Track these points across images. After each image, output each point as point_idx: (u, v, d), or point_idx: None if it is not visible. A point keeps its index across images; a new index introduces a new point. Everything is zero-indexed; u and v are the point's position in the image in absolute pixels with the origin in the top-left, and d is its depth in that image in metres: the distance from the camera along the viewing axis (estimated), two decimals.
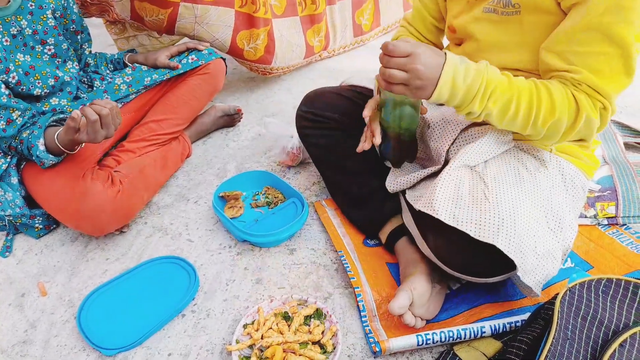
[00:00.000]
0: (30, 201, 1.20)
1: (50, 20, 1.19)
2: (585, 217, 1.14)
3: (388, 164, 1.11)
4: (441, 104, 1.13)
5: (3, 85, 1.09)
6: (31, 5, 1.15)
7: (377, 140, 0.96)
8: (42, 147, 1.06)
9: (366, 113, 0.96)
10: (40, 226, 1.21)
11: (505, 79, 0.81)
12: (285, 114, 1.72)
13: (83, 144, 1.11)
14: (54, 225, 1.24)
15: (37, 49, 1.18)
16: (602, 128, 0.84)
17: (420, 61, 0.76)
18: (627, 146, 1.38)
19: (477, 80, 0.79)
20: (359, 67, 2.03)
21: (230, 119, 1.66)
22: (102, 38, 2.09)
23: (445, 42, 1.14)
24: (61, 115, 1.17)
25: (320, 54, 2.03)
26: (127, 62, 1.43)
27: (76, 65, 1.31)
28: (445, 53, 0.79)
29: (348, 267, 1.03)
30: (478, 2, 0.93)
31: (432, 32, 1.14)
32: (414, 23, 1.15)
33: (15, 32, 1.13)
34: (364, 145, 0.99)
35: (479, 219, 0.78)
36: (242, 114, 1.68)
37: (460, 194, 0.83)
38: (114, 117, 1.01)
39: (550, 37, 0.83)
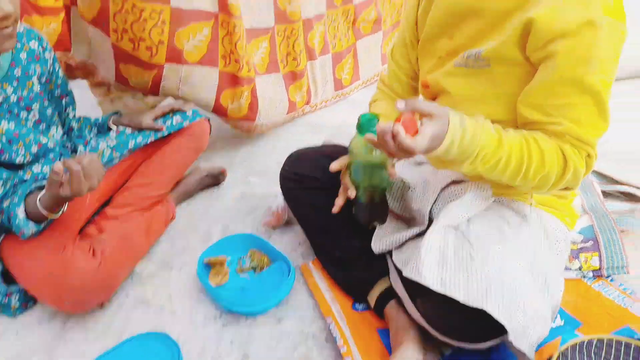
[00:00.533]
0: (6, 277, 1.16)
1: (36, 86, 1.20)
2: (570, 270, 1.15)
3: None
4: (420, 162, 1.15)
5: None
6: (17, 72, 1.15)
7: (352, 193, 0.96)
8: (21, 215, 1.03)
9: (333, 166, 0.98)
10: (17, 305, 1.16)
11: (496, 138, 0.82)
12: (269, 172, 1.73)
13: (66, 207, 1.09)
14: (32, 303, 1.20)
15: (21, 116, 1.17)
16: (586, 174, 0.86)
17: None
18: (605, 194, 1.41)
19: (470, 148, 0.80)
20: (340, 121, 2.08)
21: (215, 180, 1.66)
22: (86, 99, 2.11)
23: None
24: (43, 182, 1.16)
25: (302, 109, 2.07)
26: (111, 125, 1.43)
27: (60, 130, 1.30)
28: (449, 119, 0.78)
29: (337, 337, 1.00)
30: (449, 57, 0.97)
31: (409, 91, 1.18)
32: (391, 84, 1.19)
33: (0, 100, 1.13)
34: (337, 201, 0.99)
35: (467, 283, 0.78)
36: (226, 174, 1.68)
37: (445, 256, 0.84)
38: (97, 168, 0.99)
39: (526, 91, 0.86)
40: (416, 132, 0.74)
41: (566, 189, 0.90)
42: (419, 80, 1.09)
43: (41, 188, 1.13)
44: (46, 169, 1.24)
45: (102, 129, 1.45)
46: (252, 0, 1.70)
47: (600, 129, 0.83)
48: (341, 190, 1.01)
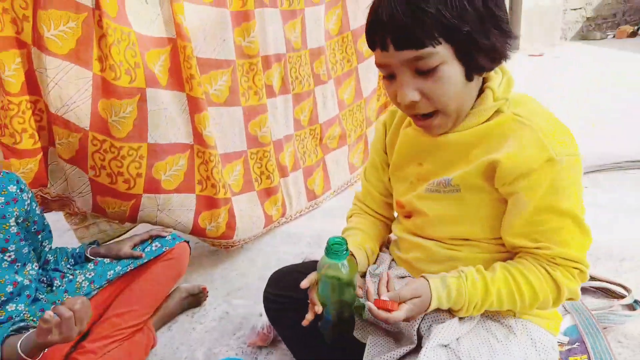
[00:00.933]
0: None
1: (13, 227, 1.19)
2: None
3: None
4: (403, 276, 1.17)
5: None
6: None
7: (318, 309, 0.97)
8: None
9: (303, 283, 0.99)
10: None
11: (482, 286, 0.89)
12: (250, 288, 1.71)
13: (46, 349, 1.04)
14: None
15: None
16: (582, 283, 0.91)
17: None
18: (584, 290, 1.46)
19: (458, 302, 0.89)
20: (318, 229, 2.12)
21: (196, 299, 1.63)
22: (59, 223, 2.09)
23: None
24: (21, 324, 1.11)
25: (278, 221, 2.11)
26: (89, 256, 1.42)
27: (35, 267, 1.28)
28: (429, 284, 0.90)
29: None
30: (420, 183, 1.02)
31: (383, 208, 1.21)
32: (365, 201, 1.23)
33: None
34: (307, 316, 0.98)
35: None
36: (207, 292, 1.65)
37: None
38: (86, 311, 0.98)
39: (508, 223, 0.91)
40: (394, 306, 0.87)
41: (571, 299, 0.93)
42: (394, 200, 1.13)
43: (18, 330, 1.08)
44: (21, 307, 1.20)
45: (80, 259, 1.43)
46: (225, 128, 1.80)
47: (585, 245, 0.88)
48: (310, 305, 1.01)
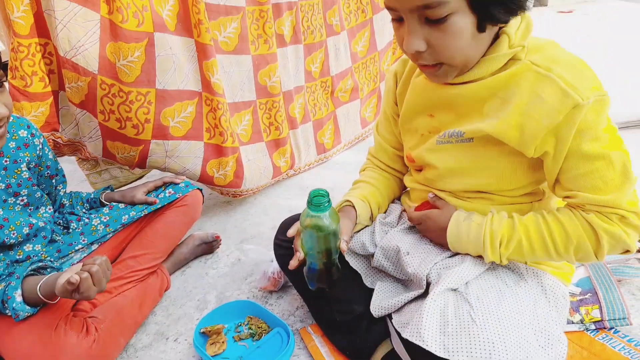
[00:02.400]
0: None
1: (25, 172, 1.21)
2: (572, 322, 1.14)
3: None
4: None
5: None
6: (6, 161, 1.17)
7: (300, 256, 0.97)
8: (19, 299, 1.03)
9: (290, 232, 1.01)
10: None
11: (509, 223, 0.89)
12: (263, 237, 1.73)
13: None
14: None
15: (9, 201, 1.18)
16: (637, 232, 0.84)
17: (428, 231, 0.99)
18: None
19: (479, 233, 0.89)
20: (329, 181, 2.11)
21: (209, 247, 1.65)
22: (75, 173, 2.13)
23: None
24: (39, 264, 1.15)
25: (287, 172, 2.11)
26: (103, 201, 1.44)
27: (49, 210, 1.31)
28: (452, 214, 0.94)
29: None
30: (431, 135, 0.99)
31: (396, 161, 1.20)
32: (378, 155, 1.22)
33: None
34: (291, 262, 0.98)
35: (470, 346, 0.77)
36: (220, 240, 1.68)
37: (446, 319, 0.83)
38: (105, 271, 1.01)
39: (548, 175, 0.88)
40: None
41: (627, 252, 0.87)
42: (404, 154, 1.11)
43: (37, 270, 1.12)
44: (38, 247, 1.23)
45: (95, 205, 1.46)
46: (234, 77, 1.78)
47: (624, 187, 0.81)
48: (295, 253, 1.01)
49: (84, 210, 1.43)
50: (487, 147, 0.90)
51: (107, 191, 1.48)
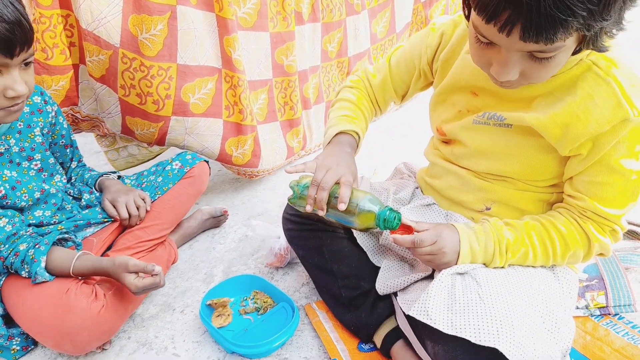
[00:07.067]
0: (7, 319, 1.14)
1: (38, 137, 1.23)
2: (578, 308, 1.14)
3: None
4: (428, 204, 1.14)
5: None
6: (20, 125, 1.19)
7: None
8: (43, 264, 1.06)
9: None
10: (18, 347, 1.14)
11: (512, 233, 0.89)
12: (270, 214, 1.74)
13: None
14: (32, 346, 1.17)
15: (23, 165, 1.20)
16: (615, 242, 0.89)
17: (444, 246, 0.89)
18: None
19: (489, 241, 0.88)
20: None
21: (216, 221, 1.67)
22: (86, 146, 2.14)
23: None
24: (65, 235, 1.18)
25: (299, 153, 2.10)
26: (96, 188, 1.40)
27: (64, 179, 1.32)
28: (456, 228, 0.91)
29: None
30: (469, 113, 0.97)
31: (386, 104, 1.20)
32: (375, 89, 1.17)
33: (2, 151, 1.15)
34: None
35: (477, 323, 0.77)
36: (227, 215, 1.69)
37: (454, 297, 0.83)
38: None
39: (568, 170, 0.88)
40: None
41: (601, 254, 0.92)
42: (433, 125, 1.09)
43: (60, 240, 1.16)
44: (48, 213, 1.25)
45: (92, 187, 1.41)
46: (252, 54, 1.76)
47: (627, 205, 0.84)
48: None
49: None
50: (524, 136, 0.89)
51: (109, 176, 1.43)
